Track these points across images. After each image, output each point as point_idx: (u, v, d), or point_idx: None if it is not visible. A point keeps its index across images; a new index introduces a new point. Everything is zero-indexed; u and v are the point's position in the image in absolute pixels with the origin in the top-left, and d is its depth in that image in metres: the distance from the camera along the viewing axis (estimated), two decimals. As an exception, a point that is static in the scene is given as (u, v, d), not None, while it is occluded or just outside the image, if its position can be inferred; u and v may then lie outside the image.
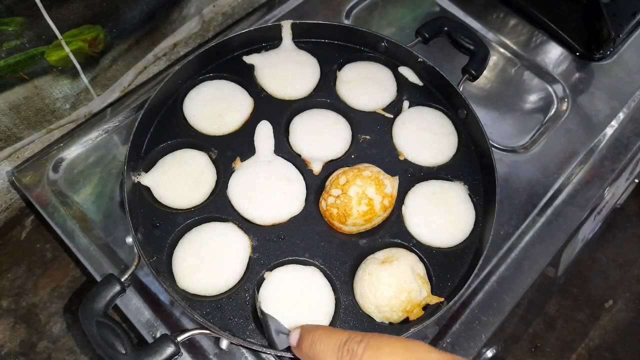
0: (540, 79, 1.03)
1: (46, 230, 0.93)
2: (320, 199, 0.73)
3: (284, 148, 0.79)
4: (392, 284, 0.65)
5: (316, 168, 0.77)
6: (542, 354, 1.01)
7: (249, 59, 0.86)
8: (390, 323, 0.67)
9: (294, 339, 0.45)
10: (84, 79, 0.84)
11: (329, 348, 0.39)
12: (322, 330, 0.41)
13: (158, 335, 0.66)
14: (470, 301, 0.77)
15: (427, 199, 0.75)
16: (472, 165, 0.81)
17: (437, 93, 0.87)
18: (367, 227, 0.72)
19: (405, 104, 0.85)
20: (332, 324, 0.67)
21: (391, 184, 0.71)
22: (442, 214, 0.74)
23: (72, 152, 0.84)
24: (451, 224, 0.74)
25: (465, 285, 0.67)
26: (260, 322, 0.64)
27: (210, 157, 0.77)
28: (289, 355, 0.59)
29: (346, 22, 1.05)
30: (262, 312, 0.63)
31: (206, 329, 0.63)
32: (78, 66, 0.81)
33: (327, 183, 0.74)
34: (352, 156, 0.79)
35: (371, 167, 0.72)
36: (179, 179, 0.73)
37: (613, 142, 0.96)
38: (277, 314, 0.63)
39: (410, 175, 0.79)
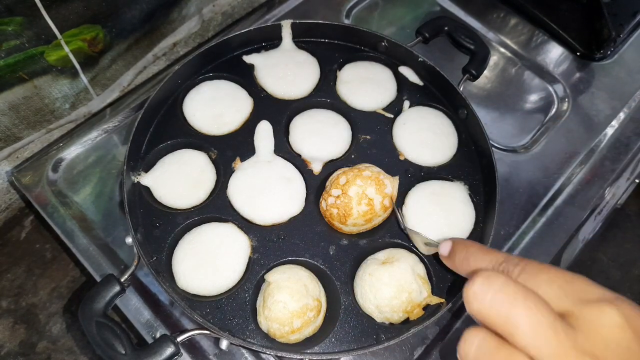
0: (540, 79, 1.03)
1: (46, 230, 0.93)
2: (321, 199, 0.73)
3: (284, 148, 0.79)
4: (392, 285, 0.65)
5: (316, 168, 0.77)
6: (542, 354, 1.01)
7: (249, 59, 0.86)
8: (391, 323, 0.67)
9: (445, 250, 0.47)
10: (84, 78, 0.84)
11: (484, 265, 0.40)
12: (477, 247, 0.43)
13: (158, 335, 0.66)
14: (471, 301, 0.77)
15: (428, 199, 0.75)
16: (472, 165, 0.80)
17: (437, 93, 0.86)
18: (368, 227, 0.72)
19: (406, 103, 0.85)
20: (334, 323, 0.67)
21: (391, 184, 0.71)
22: (442, 214, 0.74)
23: (72, 152, 0.84)
24: (451, 224, 0.73)
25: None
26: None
27: (210, 157, 0.77)
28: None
29: (346, 21, 1.05)
30: (406, 228, 0.68)
31: (206, 329, 0.63)
32: (77, 66, 0.81)
33: (327, 183, 0.73)
34: (352, 156, 0.79)
35: (371, 167, 0.72)
36: (179, 179, 0.73)
37: (613, 142, 0.96)
38: None
39: (411, 175, 0.78)
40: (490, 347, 0.33)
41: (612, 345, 0.32)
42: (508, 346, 0.33)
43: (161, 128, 0.79)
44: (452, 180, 0.78)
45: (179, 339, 0.61)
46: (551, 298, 0.34)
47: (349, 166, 0.75)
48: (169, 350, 0.59)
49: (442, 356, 0.73)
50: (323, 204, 0.72)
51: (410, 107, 0.85)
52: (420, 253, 0.71)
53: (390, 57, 0.89)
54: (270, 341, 0.65)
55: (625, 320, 0.32)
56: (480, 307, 0.34)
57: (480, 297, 0.34)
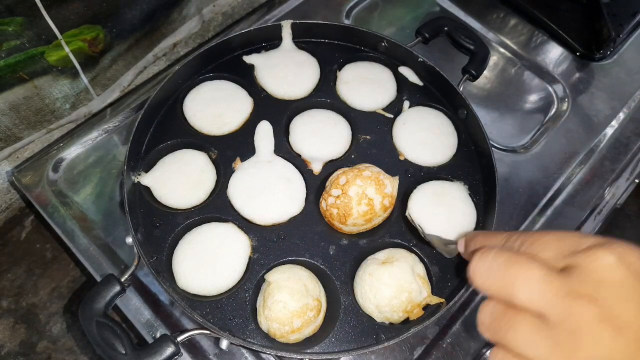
0: (540, 79, 1.03)
1: (46, 230, 0.93)
2: (321, 199, 0.73)
3: (284, 148, 0.79)
4: (392, 284, 0.65)
5: (316, 168, 0.77)
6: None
7: (249, 59, 0.86)
8: (391, 323, 0.67)
9: (460, 247, 0.50)
10: (84, 78, 0.84)
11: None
12: (482, 235, 0.46)
13: (158, 335, 0.66)
14: (470, 301, 0.77)
15: (429, 199, 0.75)
16: (472, 165, 0.81)
17: (437, 93, 0.87)
18: (367, 227, 0.72)
19: (406, 104, 0.85)
20: (333, 323, 0.67)
21: (391, 184, 0.71)
22: (446, 214, 0.74)
23: (72, 152, 0.84)
24: (455, 224, 0.73)
25: (466, 286, 0.67)
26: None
27: (210, 157, 0.77)
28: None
29: (346, 22, 1.05)
30: (425, 234, 0.66)
31: (206, 329, 0.63)
32: (78, 66, 0.81)
33: (328, 183, 0.74)
34: (352, 156, 0.79)
35: (371, 167, 0.72)
36: (179, 179, 0.73)
37: (613, 142, 0.96)
38: None
39: (411, 175, 0.79)
40: (499, 312, 0.36)
41: (607, 284, 0.33)
42: (514, 309, 0.35)
43: (161, 128, 0.79)
44: (452, 180, 0.78)
45: (179, 338, 0.61)
46: (549, 260, 0.36)
47: (349, 166, 0.75)
48: (169, 350, 0.59)
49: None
50: (323, 204, 0.72)
51: (410, 107, 0.85)
52: (419, 254, 0.71)
53: (390, 57, 0.89)
54: (270, 341, 0.65)
55: (618, 259, 0.33)
56: (481, 281, 0.37)
57: (479, 271, 0.37)
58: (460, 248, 0.49)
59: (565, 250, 0.36)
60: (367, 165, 0.74)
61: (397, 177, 0.73)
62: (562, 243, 0.37)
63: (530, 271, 0.34)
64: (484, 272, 0.36)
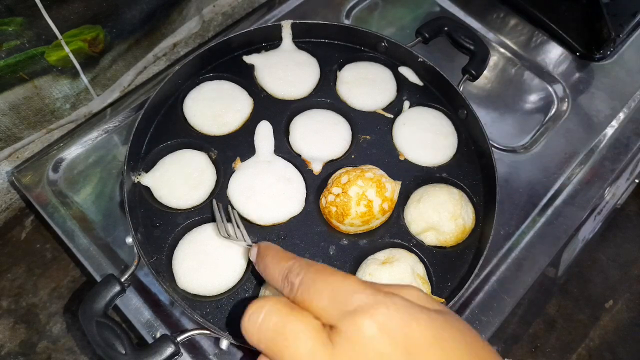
0: (540, 79, 1.03)
1: (46, 230, 0.92)
2: (321, 195, 0.73)
3: (284, 148, 0.79)
4: (392, 284, 0.65)
5: (316, 168, 0.77)
6: (542, 354, 1.01)
7: (249, 59, 0.86)
8: (390, 323, 0.67)
9: (252, 256, 0.49)
10: (84, 79, 0.84)
11: (275, 276, 0.43)
12: (272, 255, 0.44)
13: (158, 335, 0.66)
14: (470, 301, 0.77)
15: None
16: (472, 165, 0.81)
17: (437, 93, 0.87)
18: (364, 228, 0.72)
19: (406, 104, 0.85)
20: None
21: (392, 188, 0.71)
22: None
23: (72, 152, 0.84)
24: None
25: (465, 286, 0.67)
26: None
27: (210, 157, 0.77)
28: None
29: (346, 22, 1.05)
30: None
31: (206, 329, 0.63)
32: (78, 66, 0.81)
33: (330, 181, 0.74)
34: (352, 156, 0.79)
35: (374, 170, 0.72)
36: (179, 179, 0.73)
37: (613, 142, 0.96)
38: None
39: (411, 175, 0.79)
40: None
41: (370, 356, 0.33)
42: None
43: (161, 128, 0.79)
44: (452, 181, 0.78)
45: (179, 338, 0.61)
46: (321, 311, 0.36)
47: (350, 166, 0.75)
48: (169, 350, 0.59)
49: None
50: (323, 201, 0.72)
51: (410, 107, 0.85)
52: None
53: (390, 57, 0.89)
54: (270, 341, 0.65)
55: (380, 329, 0.33)
56: (253, 341, 0.38)
57: (250, 331, 0.38)
58: (252, 257, 0.48)
59: (336, 305, 0.36)
60: (370, 167, 0.74)
61: (399, 182, 0.72)
62: (334, 295, 0.36)
63: (297, 342, 0.35)
64: (255, 334, 0.38)
